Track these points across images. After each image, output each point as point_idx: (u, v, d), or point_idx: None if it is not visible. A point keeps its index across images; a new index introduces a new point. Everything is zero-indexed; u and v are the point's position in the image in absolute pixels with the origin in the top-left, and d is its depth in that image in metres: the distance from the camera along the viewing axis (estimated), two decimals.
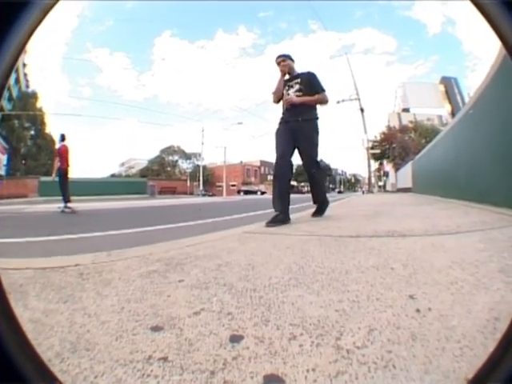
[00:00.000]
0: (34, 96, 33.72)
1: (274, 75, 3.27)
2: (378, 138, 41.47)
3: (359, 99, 28.10)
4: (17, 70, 30.71)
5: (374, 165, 44.46)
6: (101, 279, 1.18)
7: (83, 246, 2.48)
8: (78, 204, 8.52)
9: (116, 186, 27.88)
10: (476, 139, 5.02)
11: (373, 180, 38.86)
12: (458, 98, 54.51)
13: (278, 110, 3.35)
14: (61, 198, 7.10)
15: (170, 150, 55.01)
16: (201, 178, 36.32)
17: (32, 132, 33.96)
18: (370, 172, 30.91)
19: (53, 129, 35.32)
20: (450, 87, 57.26)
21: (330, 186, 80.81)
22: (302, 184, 46.89)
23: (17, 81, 32.30)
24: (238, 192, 44.17)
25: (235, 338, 0.68)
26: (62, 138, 7.40)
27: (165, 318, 0.79)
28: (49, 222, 5.38)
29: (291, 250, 1.55)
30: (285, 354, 0.61)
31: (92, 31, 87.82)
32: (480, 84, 4.76)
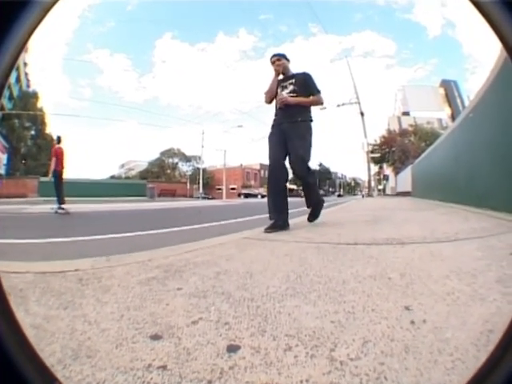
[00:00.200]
0: (34, 96, 33.85)
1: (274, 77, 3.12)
2: (378, 142, 41.62)
3: (359, 103, 28.27)
4: (18, 69, 30.73)
5: (374, 168, 44.59)
6: (100, 285, 1.19)
7: (62, 252, 2.48)
8: (74, 205, 8.47)
9: (115, 187, 27.97)
10: (476, 143, 5.02)
11: (372, 183, 38.89)
12: (458, 100, 54.64)
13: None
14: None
15: (170, 153, 55.10)
16: (200, 181, 36.36)
17: (32, 132, 34.05)
18: (369, 176, 30.98)
19: (53, 129, 35.45)
20: (449, 90, 57.46)
21: (330, 189, 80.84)
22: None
23: (18, 80, 32.33)
24: (239, 195, 44.17)
25: (232, 348, 0.69)
26: (58, 140, 7.52)
27: (164, 327, 0.80)
28: (38, 223, 5.35)
29: (289, 258, 1.56)
30: (280, 365, 0.62)
31: (93, 32, 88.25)
32: (480, 87, 4.75)
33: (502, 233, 2.20)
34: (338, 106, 29.19)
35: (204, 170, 41.58)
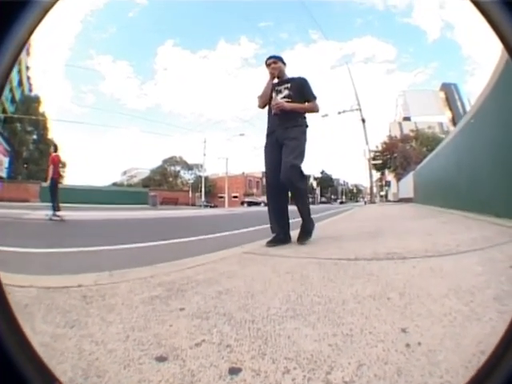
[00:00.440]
0: (36, 100, 34.04)
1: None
2: (380, 148, 41.73)
3: (360, 109, 28.33)
4: (20, 73, 30.98)
5: (376, 175, 44.57)
6: (104, 304, 1.22)
7: (42, 263, 2.48)
8: (72, 213, 8.47)
9: (118, 195, 28.02)
10: (477, 149, 4.99)
11: (374, 190, 38.79)
12: (459, 104, 54.84)
13: None
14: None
15: (172, 161, 55.48)
16: (203, 189, 36.50)
17: (34, 136, 34.11)
18: (371, 182, 30.92)
19: (55, 135, 35.63)
20: (450, 94, 57.72)
21: (332, 196, 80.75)
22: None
23: (20, 83, 32.42)
24: (242, 203, 44.18)
25: (234, 371, 0.72)
26: (55, 148, 7.66)
27: (168, 349, 0.83)
28: (25, 230, 5.36)
29: (290, 276, 1.58)
30: None
31: (95, 37, 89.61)
32: (482, 91, 4.70)
33: (503, 243, 2.21)
34: (339, 113, 29.33)
35: (206, 178, 41.81)
